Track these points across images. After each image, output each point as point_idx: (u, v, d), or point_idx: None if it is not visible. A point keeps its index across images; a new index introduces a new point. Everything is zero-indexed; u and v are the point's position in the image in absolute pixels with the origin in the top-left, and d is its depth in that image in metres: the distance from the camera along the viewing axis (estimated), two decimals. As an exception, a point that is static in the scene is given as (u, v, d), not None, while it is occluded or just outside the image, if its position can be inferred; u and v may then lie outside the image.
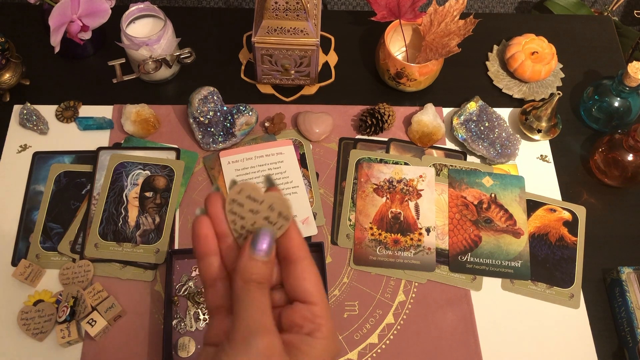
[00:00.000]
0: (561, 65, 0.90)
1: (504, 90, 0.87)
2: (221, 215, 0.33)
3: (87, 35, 0.78)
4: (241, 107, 0.79)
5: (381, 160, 0.79)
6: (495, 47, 0.91)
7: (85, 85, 0.84)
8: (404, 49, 0.86)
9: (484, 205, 0.76)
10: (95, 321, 0.65)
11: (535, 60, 0.85)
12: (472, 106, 0.81)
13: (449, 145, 0.82)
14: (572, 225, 0.76)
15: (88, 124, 0.79)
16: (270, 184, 0.34)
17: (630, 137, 0.74)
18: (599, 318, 0.71)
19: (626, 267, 0.71)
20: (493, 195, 0.77)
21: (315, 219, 0.75)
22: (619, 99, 0.80)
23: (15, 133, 0.79)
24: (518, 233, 0.75)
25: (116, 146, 0.78)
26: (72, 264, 0.70)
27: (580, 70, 0.90)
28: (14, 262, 0.71)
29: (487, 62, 0.90)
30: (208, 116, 0.78)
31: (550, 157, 0.82)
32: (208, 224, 0.33)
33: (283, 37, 0.75)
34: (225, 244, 0.33)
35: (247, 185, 0.33)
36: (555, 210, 0.77)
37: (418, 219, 0.75)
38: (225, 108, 0.79)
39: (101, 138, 0.79)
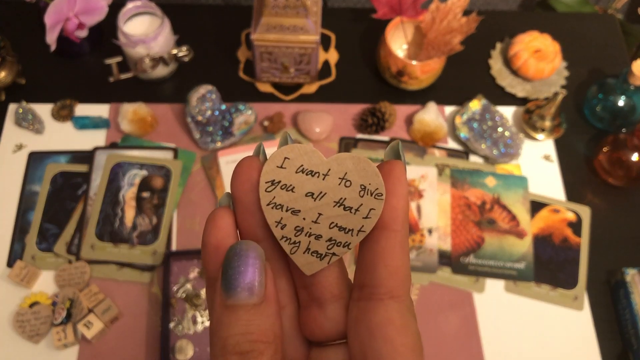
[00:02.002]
0: (565, 64, 0.88)
1: (507, 89, 0.86)
2: (252, 208, 0.19)
3: (83, 33, 0.77)
4: (240, 106, 0.78)
5: (382, 160, 0.78)
6: (499, 45, 0.90)
7: (81, 83, 0.83)
8: (406, 46, 0.85)
9: (487, 206, 0.75)
10: (92, 323, 0.64)
11: (538, 58, 0.84)
12: (475, 105, 0.80)
13: (451, 144, 0.81)
14: (576, 226, 0.75)
15: (84, 123, 0.78)
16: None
17: (635, 136, 0.73)
18: (603, 320, 0.70)
19: (631, 269, 0.70)
20: (496, 195, 0.76)
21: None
22: (623, 97, 0.79)
23: (11, 132, 0.78)
24: (521, 234, 0.74)
25: (113, 146, 0.77)
26: (68, 266, 0.69)
27: (585, 68, 0.89)
28: (10, 264, 0.70)
29: (490, 60, 0.88)
30: (206, 115, 0.77)
31: (554, 157, 0.81)
32: (226, 226, 0.19)
33: (282, 34, 0.74)
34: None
35: (295, 150, 0.19)
36: (559, 211, 0.76)
37: (420, 219, 0.74)
38: (223, 107, 0.78)
39: (97, 137, 0.78)
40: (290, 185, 0.19)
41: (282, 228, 0.19)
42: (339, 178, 0.19)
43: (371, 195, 0.19)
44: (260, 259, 0.18)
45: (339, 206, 0.19)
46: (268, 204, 0.19)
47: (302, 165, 0.19)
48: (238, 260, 0.18)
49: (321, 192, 0.19)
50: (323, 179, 0.19)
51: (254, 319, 0.18)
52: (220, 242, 0.19)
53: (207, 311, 0.67)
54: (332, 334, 0.20)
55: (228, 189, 0.75)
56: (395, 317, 0.18)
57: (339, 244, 0.20)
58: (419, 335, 0.19)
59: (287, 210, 0.19)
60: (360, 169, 0.19)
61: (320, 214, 0.19)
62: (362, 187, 0.19)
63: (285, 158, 0.19)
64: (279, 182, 0.19)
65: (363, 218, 0.19)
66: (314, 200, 0.19)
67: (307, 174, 0.19)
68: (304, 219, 0.19)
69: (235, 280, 0.18)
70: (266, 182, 0.19)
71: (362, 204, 0.19)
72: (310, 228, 0.19)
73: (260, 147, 0.20)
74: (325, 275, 0.20)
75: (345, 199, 0.19)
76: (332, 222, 0.20)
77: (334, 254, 0.20)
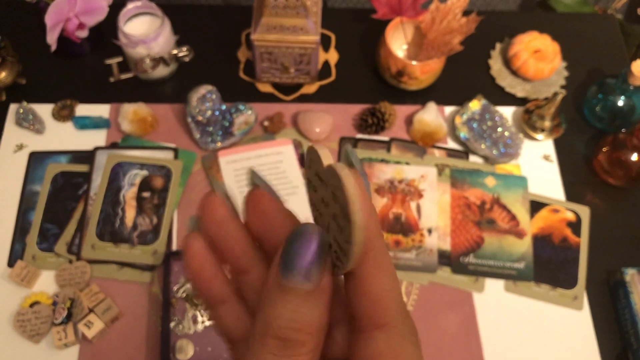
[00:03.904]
0: (565, 64, 0.89)
1: (506, 89, 0.86)
2: (232, 241, 0.19)
3: (84, 34, 0.77)
4: (240, 106, 0.78)
5: (382, 160, 0.78)
6: (498, 45, 0.90)
7: (82, 84, 0.83)
8: (405, 46, 0.85)
9: (487, 206, 0.75)
10: (92, 323, 0.65)
11: (538, 58, 0.84)
12: (475, 105, 0.80)
13: (451, 144, 0.81)
14: (575, 226, 0.75)
15: (85, 123, 0.78)
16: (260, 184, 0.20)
17: (634, 136, 0.73)
18: (602, 320, 0.70)
19: (630, 268, 0.70)
20: (496, 195, 0.76)
21: (315, 219, 0.74)
22: (623, 97, 0.79)
23: (11, 132, 0.78)
24: (521, 234, 0.74)
25: (113, 146, 0.77)
26: (69, 265, 0.69)
27: (584, 68, 0.89)
28: (10, 263, 0.70)
29: (489, 61, 0.89)
30: (206, 115, 0.77)
31: (553, 157, 0.81)
32: (198, 250, 0.19)
33: (282, 35, 0.74)
34: (250, 278, 0.20)
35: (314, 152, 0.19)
36: (558, 211, 0.76)
37: (420, 219, 0.74)
38: (223, 107, 0.78)
39: (98, 137, 0.78)
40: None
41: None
42: (332, 193, 0.18)
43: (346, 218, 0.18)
44: (323, 247, 0.17)
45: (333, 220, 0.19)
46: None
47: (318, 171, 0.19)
48: (300, 241, 0.17)
49: (326, 202, 0.19)
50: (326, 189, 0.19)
51: (303, 306, 0.17)
52: (200, 268, 0.19)
53: (207, 311, 0.68)
54: (339, 357, 0.19)
55: (229, 189, 0.75)
56: (383, 348, 0.17)
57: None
58: (397, 284, 0.18)
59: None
60: (343, 191, 0.18)
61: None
62: (343, 211, 0.18)
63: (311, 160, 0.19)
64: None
65: (345, 242, 0.18)
66: (325, 208, 0.19)
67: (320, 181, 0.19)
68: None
69: (294, 262, 0.17)
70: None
71: (344, 226, 0.18)
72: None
73: (220, 186, 0.20)
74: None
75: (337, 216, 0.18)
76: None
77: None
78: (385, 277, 0.18)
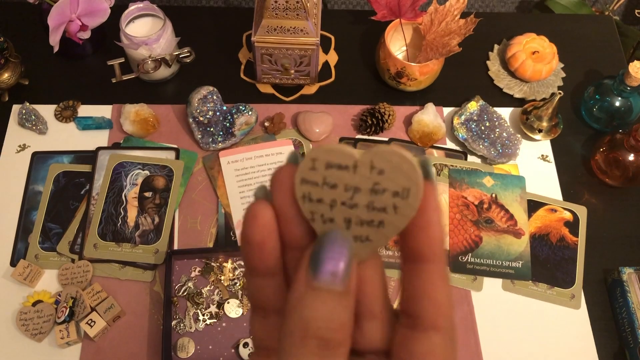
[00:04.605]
0: (562, 65, 0.89)
1: (504, 90, 0.87)
2: (290, 211, 0.19)
3: (86, 35, 0.78)
4: (241, 107, 0.79)
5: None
6: (496, 47, 0.90)
7: (84, 84, 0.83)
8: (405, 48, 0.85)
9: (485, 206, 0.76)
10: (94, 322, 0.65)
11: (536, 59, 0.85)
12: (473, 106, 0.81)
13: (450, 145, 0.82)
14: (573, 226, 0.76)
15: (87, 124, 0.79)
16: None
17: (631, 136, 0.74)
18: (600, 318, 0.71)
19: (627, 268, 0.71)
20: (494, 195, 0.77)
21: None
22: (620, 98, 0.80)
23: (14, 133, 0.79)
24: (519, 233, 0.74)
25: (115, 146, 0.78)
26: (71, 265, 0.70)
27: (581, 69, 0.90)
28: (13, 263, 0.70)
29: (487, 62, 0.89)
30: (207, 116, 0.78)
31: (551, 157, 0.82)
32: (268, 221, 0.19)
33: (283, 36, 0.74)
34: (294, 255, 0.20)
35: (324, 150, 0.19)
36: (556, 211, 0.77)
37: (418, 219, 0.75)
38: (224, 108, 0.79)
39: (100, 138, 0.79)
40: (322, 181, 0.19)
41: (314, 219, 0.19)
42: (372, 168, 0.19)
43: (410, 192, 0.19)
44: (351, 252, 0.19)
45: (371, 207, 0.19)
46: (302, 197, 0.19)
47: (330, 161, 0.19)
48: (332, 246, 0.18)
49: (355, 187, 0.19)
50: (354, 172, 0.19)
51: (338, 306, 0.18)
52: (265, 239, 0.19)
53: (207, 309, 0.68)
54: (366, 349, 0.20)
55: (229, 189, 0.76)
56: (437, 349, 0.19)
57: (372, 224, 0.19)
58: (451, 293, 0.20)
59: (319, 203, 0.19)
60: (395, 160, 0.19)
61: (352, 208, 0.19)
62: (396, 182, 0.19)
63: (315, 158, 0.19)
64: (310, 180, 0.19)
65: (399, 216, 0.19)
66: (347, 193, 0.19)
67: (340, 169, 0.19)
68: (335, 213, 0.19)
69: (327, 264, 0.18)
70: (301, 178, 0.19)
71: (398, 202, 0.19)
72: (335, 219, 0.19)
73: (295, 155, 0.20)
74: (365, 292, 0.20)
75: (378, 194, 0.19)
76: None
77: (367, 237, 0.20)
78: (446, 288, 0.20)
